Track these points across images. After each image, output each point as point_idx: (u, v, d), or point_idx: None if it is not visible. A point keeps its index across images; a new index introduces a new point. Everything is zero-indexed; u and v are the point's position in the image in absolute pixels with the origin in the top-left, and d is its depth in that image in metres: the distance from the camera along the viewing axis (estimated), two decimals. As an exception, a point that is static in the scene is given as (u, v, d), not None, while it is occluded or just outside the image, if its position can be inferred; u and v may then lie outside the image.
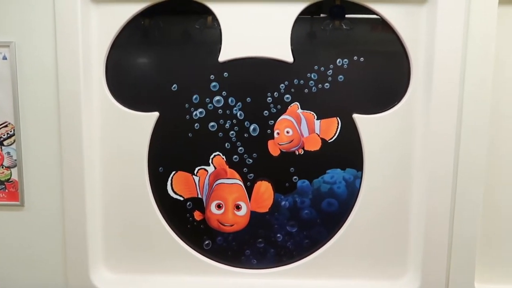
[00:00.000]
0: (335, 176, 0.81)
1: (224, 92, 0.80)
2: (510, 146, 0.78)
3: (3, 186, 0.81)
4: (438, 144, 0.75)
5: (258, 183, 0.81)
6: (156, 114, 0.80)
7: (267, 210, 0.82)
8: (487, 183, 0.77)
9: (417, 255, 0.78)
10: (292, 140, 0.81)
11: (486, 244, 0.80)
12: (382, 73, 0.79)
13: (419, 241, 0.78)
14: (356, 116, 0.79)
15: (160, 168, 0.81)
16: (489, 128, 0.75)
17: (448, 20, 0.72)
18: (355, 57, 0.79)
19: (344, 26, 0.79)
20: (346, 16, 0.79)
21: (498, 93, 0.76)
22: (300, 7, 0.77)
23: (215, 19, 0.78)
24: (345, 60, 0.79)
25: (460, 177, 0.76)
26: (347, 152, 0.80)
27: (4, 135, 0.80)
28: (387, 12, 0.76)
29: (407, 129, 0.78)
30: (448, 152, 0.75)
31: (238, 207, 0.82)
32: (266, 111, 0.80)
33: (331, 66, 0.79)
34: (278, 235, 0.82)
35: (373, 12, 0.76)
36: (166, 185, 0.82)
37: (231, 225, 0.82)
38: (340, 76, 0.79)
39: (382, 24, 0.77)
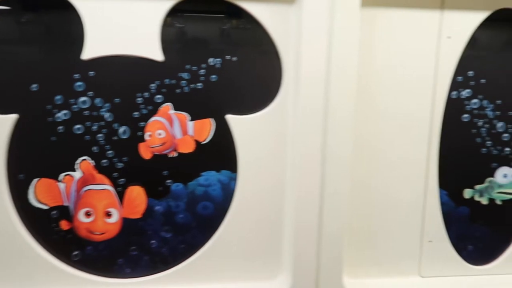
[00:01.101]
0: (210, 178, 0.79)
1: (90, 93, 0.75)
2: (373, 145, 0.80)
3: None
4: (305, 145, 0.75)
5: (130, 188, 0.77)
6: (14, 116, 0.73)
7: (140, 216, 0.78)
8: (354, 181, 0.79)
9: (289, 255, 0.79)
10: (164, 143, 0.78)
11: (354, 242, 0.82)
12: (256, 73, 0.78)
13: (291, 241, 0.79)
14: (229, 117, 0.78)
15: (20, 175, 0.74)
16: (353, 127, 0.75)
17: (313, 22, 0.72)
18: (228, 56, 0.77)
19: (217, 25, 0.78)
20: (221, 15, 0.77)
21: (362, 94, 0.78)
22: (170, 3, 0.73)
23: (78, 14, 0.73)
24: (218, 59, 0.77)
25: (327, 180, 0.76)
26: (222, 153, 0.78)
27: None
28: (257, 11, 0.75)
29: (280, 130, 0.78)
30: (315, 154, 0.75)
31: (108, 214, 0.77)
32: (136, 113, 0.76)
33: (204, 65, 0.76)
34: (153, 241, 0.79)
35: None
36: (27, 193, 0.75)
37: (102, 233, 0.77)
38: (213, 76, 0.77)
39: (255, 23, 0.77)
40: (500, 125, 0.83)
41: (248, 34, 0.78)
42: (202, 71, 0.77)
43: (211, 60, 0.77)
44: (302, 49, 0.73)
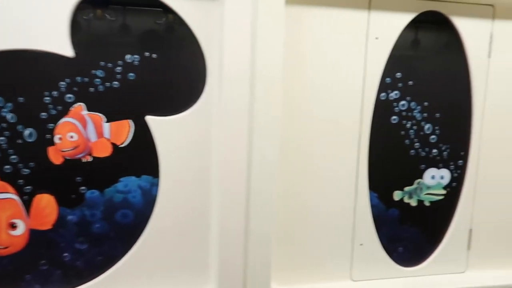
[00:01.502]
0: (129, 184, 0.73)
1: (-12, 91, 0.68)
2: (301, 147, 0.78)
3: None
4: (230, 148, 0.71)
5: (38, 196, 0.70)
6: None
7: (50, 226, 0.71)
8: (283, 185, 0.76)
9: (216, 263, 0.75)
10: (77, 146, 0.71)
11: (284, 247, 0.79)
12: (178, 71, 0.73)
13: (217, 249, 0.75)
14: (149, 118, 0.72)
15: None
16: (280, 129, 0.73)
17: (236, 18, 0.69)
18: (147, 53, 0.71)
19: (136, 20, 0.72)
20: (138, 8, 0.71)
21: (290, 95, 0.75)
22: (80, -7, 0.68)
23: (-28, 1, 0.65)
24: (136, 56, 0.71)
25: (254, 184, 0.73)
26: (142, 157, 0.73)
27: None
28: (178, 5, 0.70)
29: (204, 132, 0.74)
30: (241, 156, 0.72)
31: (13, 226, 0.69)
32: (44, 113, 0.69)
33: (120, 62, 0.71)
34: (65, 254, 0.72)
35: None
36: None
37: (6, 247, 0.70)
38: (131, 74, 0.71)
39: (177, 19, 0.72)
40: (427, 126, 0.83)
41: (171, 31, 0.72)
42: (118, 69, 0.71)
43: (128, 57, 0.71)
44: (225, 47, 0.69)
